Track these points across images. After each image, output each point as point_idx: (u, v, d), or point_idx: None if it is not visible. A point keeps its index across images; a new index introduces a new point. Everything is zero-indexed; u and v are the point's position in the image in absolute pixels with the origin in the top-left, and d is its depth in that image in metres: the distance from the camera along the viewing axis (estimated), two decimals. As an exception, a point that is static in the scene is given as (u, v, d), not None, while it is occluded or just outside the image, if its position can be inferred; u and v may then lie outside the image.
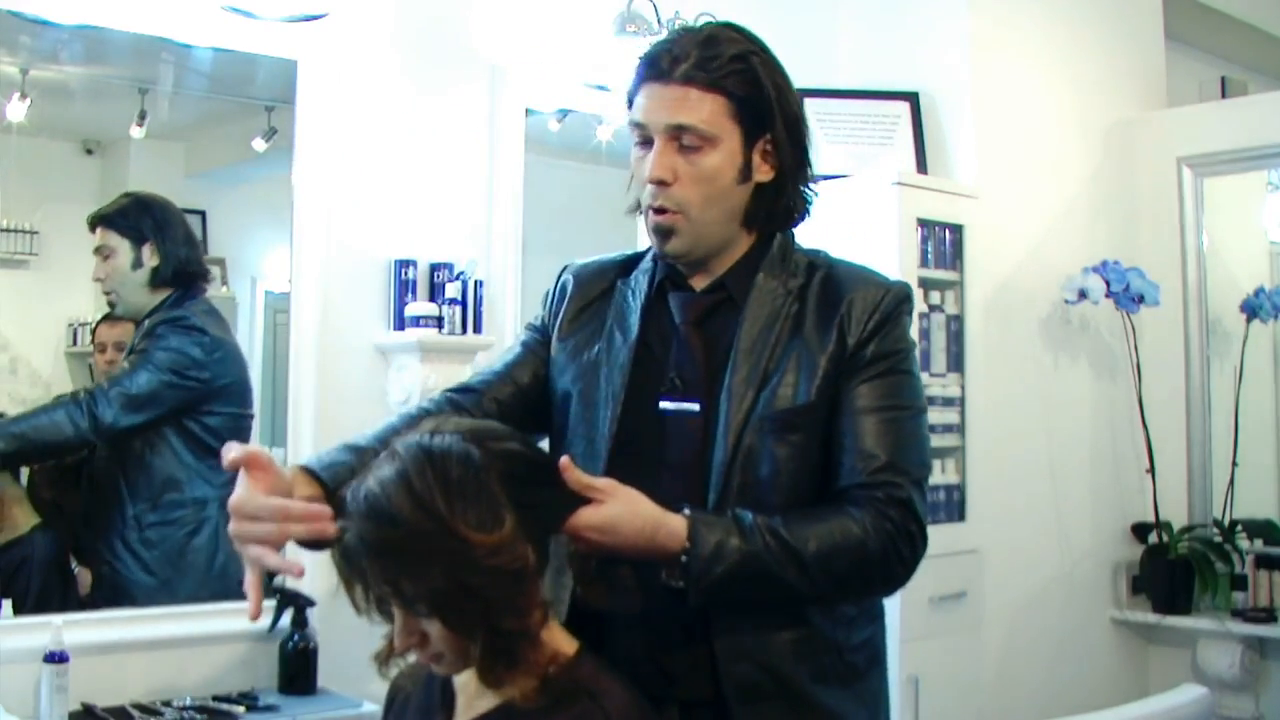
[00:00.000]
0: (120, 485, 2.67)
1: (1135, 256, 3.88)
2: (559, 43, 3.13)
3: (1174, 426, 3.94)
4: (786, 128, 1.55)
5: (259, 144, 2.98)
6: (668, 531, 1.42)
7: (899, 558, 1.50)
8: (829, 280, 1.59)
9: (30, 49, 2.59)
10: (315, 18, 2.65)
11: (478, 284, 2.94)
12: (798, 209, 1.62)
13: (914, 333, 1.65)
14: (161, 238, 2.73)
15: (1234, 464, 3.91)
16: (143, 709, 2.40)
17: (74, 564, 2.67)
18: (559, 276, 1.74)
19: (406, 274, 2.88)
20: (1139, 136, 4.07)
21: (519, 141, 3.09)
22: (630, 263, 1.68)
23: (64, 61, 2.67)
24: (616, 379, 1.58)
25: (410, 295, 2.87)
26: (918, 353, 1.67)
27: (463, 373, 2.89)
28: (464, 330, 2.89)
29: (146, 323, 2.71)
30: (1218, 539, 3.84)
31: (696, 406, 1.55)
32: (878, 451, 1.51)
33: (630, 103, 1.58)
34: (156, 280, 2.73)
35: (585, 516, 1.38)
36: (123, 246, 2.71)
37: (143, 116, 2.83)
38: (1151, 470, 3.84)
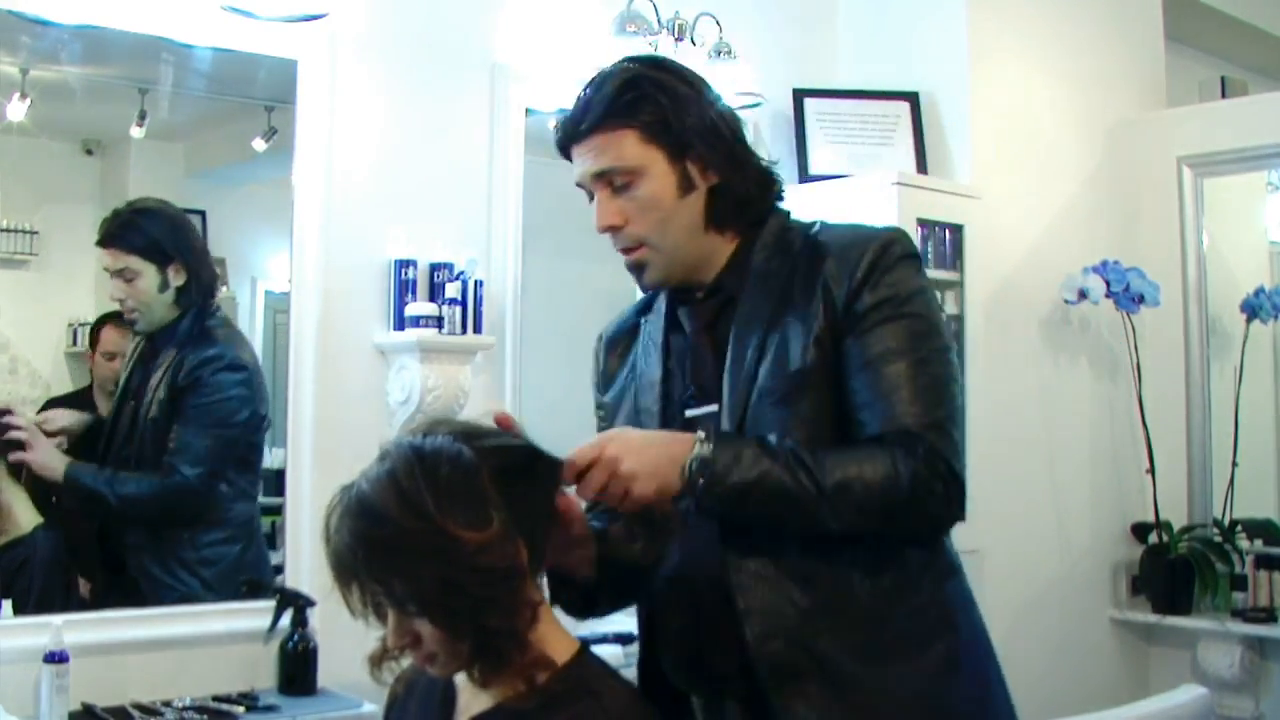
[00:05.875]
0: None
1: (1135, 256, 3.88)
2: (559, 43, 3.12)
3: (1174, 426, 3.94)
4: (698, 134, 1.54)
5: (259, 144, 2.97)
6: (683, 442, 1.43)
7: (930, 491, 1.44)
8: (815, 244, 1.56)
9: (30, 49, 2.59)
10: (315, 18, 2.65)
11: (478, 284, 2.93)
12: (761, 195, 1.60)
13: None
14: (186, 256, 2.71)
15: (1234, 464, 3.90)
16: (143, 709, 2.40)
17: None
18: (595, 348, 1.77)
19: (406, 274, 2.87)
20: (1139, 136, 4.07)
21: (519, 141, 3.09)
22: (650, 300, 1.70)
23: (64, 61, 2.67)
24: (648, 395, 1.62)
25: (410, 295, 2.87)
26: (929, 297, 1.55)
27: (462, 372, 2.89)
28: (464, 330, 2.89)
29: (186, 361, 2.68)
30: (1218, 539, 3.84)
31: (715, 407, 1.55)
32: (893, 404, 1.46)
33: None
34: (183, 299, 2.71)
35: (582, 453, 1.40)
36: (148, 270, 2.67)
37: (143, 116, 2.83)
38: (1151, 470, 3.83)
